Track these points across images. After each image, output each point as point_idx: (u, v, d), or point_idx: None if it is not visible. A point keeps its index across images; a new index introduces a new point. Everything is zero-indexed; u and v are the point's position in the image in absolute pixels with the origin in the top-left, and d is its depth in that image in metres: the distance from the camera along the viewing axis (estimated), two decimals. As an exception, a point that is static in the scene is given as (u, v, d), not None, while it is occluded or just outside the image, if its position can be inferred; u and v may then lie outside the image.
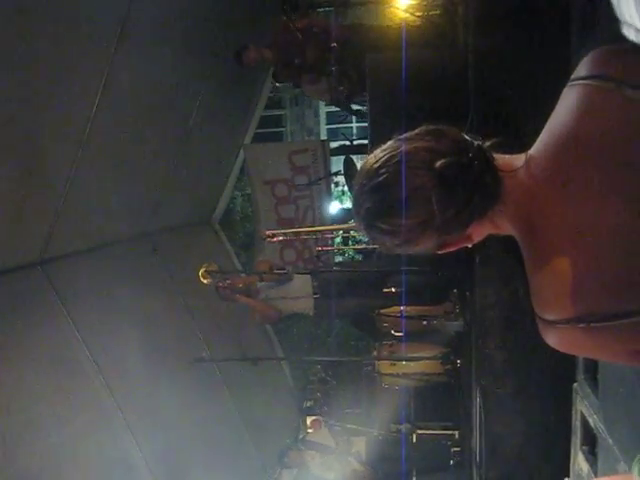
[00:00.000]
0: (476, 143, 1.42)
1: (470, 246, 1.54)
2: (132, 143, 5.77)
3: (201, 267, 6.27)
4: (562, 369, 3.59)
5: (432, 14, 6.76)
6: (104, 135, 5.18)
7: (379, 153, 1.47)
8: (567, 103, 1.47)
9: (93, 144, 5.07)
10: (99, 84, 4.86)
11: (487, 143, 1.44)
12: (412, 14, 6.78)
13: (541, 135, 1.48)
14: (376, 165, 1.45)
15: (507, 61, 3.95)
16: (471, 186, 1.38)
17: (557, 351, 1.46)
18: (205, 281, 6.19)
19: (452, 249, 1.52)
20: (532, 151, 1.47)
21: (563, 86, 1.51)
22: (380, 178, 1.42)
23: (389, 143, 1.48)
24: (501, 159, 1.45)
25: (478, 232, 1.50)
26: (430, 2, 6.93)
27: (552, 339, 1.44)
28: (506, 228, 1.49)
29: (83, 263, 5.72)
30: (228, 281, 6.16)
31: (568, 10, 3.45)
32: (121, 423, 5.20)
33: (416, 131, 1.47)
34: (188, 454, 5.73)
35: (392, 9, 7.05)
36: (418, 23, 6.58)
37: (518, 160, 1.45)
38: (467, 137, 1.44)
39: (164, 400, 5.84)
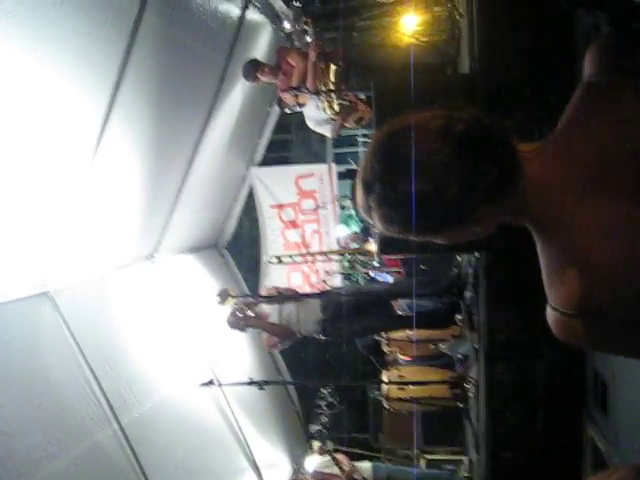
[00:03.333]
0: (497, 120, 1.36)
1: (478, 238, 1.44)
2: (139, 164, 5.77)
3: (224, 292, 6.30)
4: (571, 393, 3.54)
5: (437, 39, 6.77)
6: (110, 158, 5.18)
7: (393, 121, 1.39)
8: (579, 102, 1.44)
9: (99, 166, 5.08)
10: (106, 100, 4.86)
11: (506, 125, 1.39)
12: (418, 39, 6.79)
13: (558, 130, 1.44)
14: (389, 130, 1.38)
15: (515, 85, 3.95)
16: (490, 157, 1.31)
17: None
18: (227, 305, 6.20)
19: (459, 238, 1.42)
20: (549, 142, 1.42)
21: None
22: (392, 141, 1.35)
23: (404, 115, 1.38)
24: (520, 144, 1.39)
25: (488, 218, 1.39)
26: (435, 27, 6.94)
27: (573, 333, 1.38)
28: (519, 217, 1.42)
29: (89, 289, 5.70)
30: (247, 309, 6.19)
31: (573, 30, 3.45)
32: (123, 445, 5.12)
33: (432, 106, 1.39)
34: (187, 478, 5.66)
35: (398, 34, 7.05)
36: (423, 47, 6.59)
37: (535, 146, 1.41)
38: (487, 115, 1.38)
39: (168, 423, 5.81)
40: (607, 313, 1.31)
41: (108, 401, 5.16)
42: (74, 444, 4.64)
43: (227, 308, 6.33)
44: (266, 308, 6.31)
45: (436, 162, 1.29)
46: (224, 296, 6.34)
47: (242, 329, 6.27)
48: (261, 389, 6.17)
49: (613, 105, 1.39)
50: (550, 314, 1.40)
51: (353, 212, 8.31)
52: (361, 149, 9.63)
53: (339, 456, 7.07)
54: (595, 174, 1.34)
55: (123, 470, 5.03)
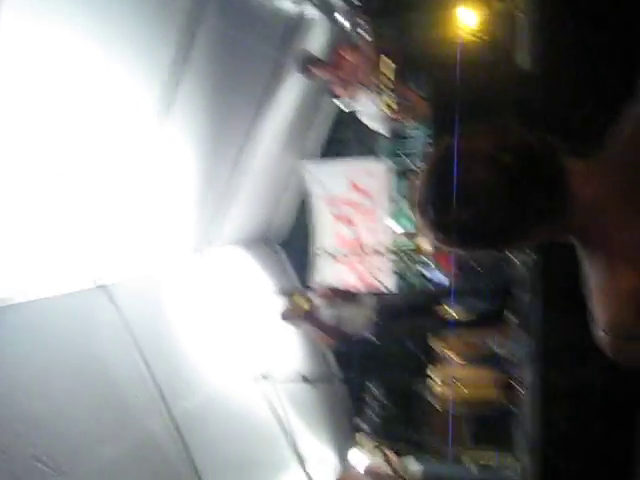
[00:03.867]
0: (546, 141, 1.34)
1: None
2: (193, 158, 5.83)
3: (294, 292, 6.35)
4: (629, 402, 3.45)
5: (497, 36, 6.64)
6: (166, 153, 5.25)
7: (445, 144, 1.42)
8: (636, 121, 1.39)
9: (156, 162, 5.16)
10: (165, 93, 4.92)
11: (557, 142, 1.37)
12: (476, 36, 6.68)
13: (616, 143, 1.40)
14: (440, 155, 1.41)
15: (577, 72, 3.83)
16: (537, 187, 1.31)
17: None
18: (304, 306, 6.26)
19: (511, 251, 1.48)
20: (605, 159, 1.39)
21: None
22: (442, 168, 1.38)
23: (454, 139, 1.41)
24: (571, 162, 1.37)
25: (537, 236, 1.43)
26: (495, 24, 6.81)
27: (627, 354, 1.34)
28: (568, 235, 1.42)
29: (143, 282, 5.81)
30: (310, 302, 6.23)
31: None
32: (174, 436, 5.20)
33: (482, 126, 1.41)
34: (239, 475, 5.72)
35: (456, 30, 6.94)
36: (482, 44, 6.48)
37: (588, 163, 1.38)
38: (536, 135, 1.36)
39: (218, 416, 5.88)
40: None
41: (161, 391, 5.23)
42: (126, 432, 4.71)
43: (290, 303, 6.35)
44: (320, 306, 6.31)
45: (484, 191, 1.32)
46: (287, 290, 6.37)
47: (297, 324, 6.30)
48: (313, 384, 6.19)
49: None
50: (599, 336, 1.37)
51: (408, 210, 8.23)
52: (419, 146, 9.53)
53: (388, 453, 7.06)
54: None
55: (173, 460, 5.09)
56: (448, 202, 1.34)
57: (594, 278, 1.36)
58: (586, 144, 1.38)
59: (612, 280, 1.31)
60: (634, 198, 1.29)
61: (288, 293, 6.39)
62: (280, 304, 6.39)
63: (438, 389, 6.48)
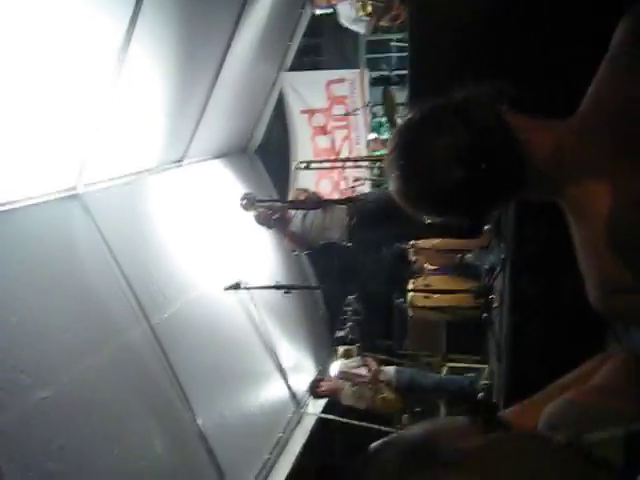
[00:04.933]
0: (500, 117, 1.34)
1: None
2: (167, 69, 5.70)
3: (251, 197, 6.30)
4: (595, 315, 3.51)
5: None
6: (138, 63, 5.12)
7: (417, 109, 1.44)
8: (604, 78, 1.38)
9: (128, 71, 5.02)
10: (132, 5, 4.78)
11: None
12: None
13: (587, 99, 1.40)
14: (410, 120, 1.43)
15: None
16: (496, 164, 1.33)
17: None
18: (247, 210, 6.22)
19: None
20: (576, 117, 1.38)
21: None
22: (408, 135, 1.42)
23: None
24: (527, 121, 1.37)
25: (507, 204, 1.47)
26: None
27: (615, 309, 1.38)
28: (547, 197, 1.43)
29: (118, 191, 5.77)
30: (270, 211, 6.19)
31: None
32: (153, 344, 5.26)
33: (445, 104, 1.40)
34: (217, 381, 5.81)
35: None
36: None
37: (558, 126, 1.37)
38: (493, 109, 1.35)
39: (196, 324, 5.93)
40: None
41: (138, 300, 5.26)
42: (106, 342, 4.74)
43: (251, 214, 6.36)
44: (292, 212, 6.30)
45: (441, 167, 1.34)
46: (251, 201, 6.33)
47: (270, 227, 6.31)
48: (287, 293, 6.22)
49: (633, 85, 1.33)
50: (590, 292, 1.38)
51: (384, 119, 8.17)
52: (395, 54, 9.37)
53: (367, 358, 7.20)
54: (622, 147, 1.30)
55: (153, 368, 5.14)
56: (409, 165, 1.39)
57: (577, 236, 1.36)
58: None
59: (592, 236, 1.32)
60: (607, 152, 1.30)
61: (250, 201, 6.34)
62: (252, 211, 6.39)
63: (414, 297, 6.53)
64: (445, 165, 1.33)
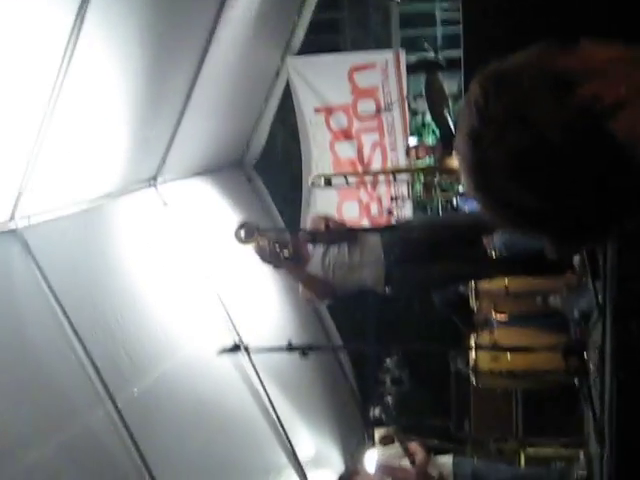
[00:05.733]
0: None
1: None
2: (128, 64, 5.73)
3: (251, 227, 6.27)
4: None
5: None
6: (90, 59, 5.17)
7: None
8: None
9: (76, 73, 5.06)
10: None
11: None
12: None
13: None
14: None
15: None
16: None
17: None
18: (246, 244, 6.21)
19: None
20: None
21: None
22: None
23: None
24: None
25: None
26: None
27: None
28: None
29: (69, 225, 5.84)
30: (274, 242, 6.15)
31: None
32: (120, 432, 5.26)
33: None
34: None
35: None
36: None
37: None
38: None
39: (178, 403, 5.94)
40: None
41: (99, 373, 5.27)
42: (55, 430, 4.78)
43: (251, 247, 6.32)
44: (309, 248, 6.27)
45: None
46: (250, 231, 6.29)
47: (278, 266, 6.27)
48: (304, 355, 6.15)
49: None
50: None
51: (428, 117, 8.20)
52: (440, 30, 9.44)
53: (411, 444, 7.13)
54: None
55: (120, 464, 5.15)
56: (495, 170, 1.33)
57: None
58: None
59: None
60: None
61: (248, 233, 6.30)
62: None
63: (478, 359, 6.47)
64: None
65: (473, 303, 7.01)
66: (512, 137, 1.29)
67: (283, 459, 6.96)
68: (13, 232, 5.27)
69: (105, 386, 5.26)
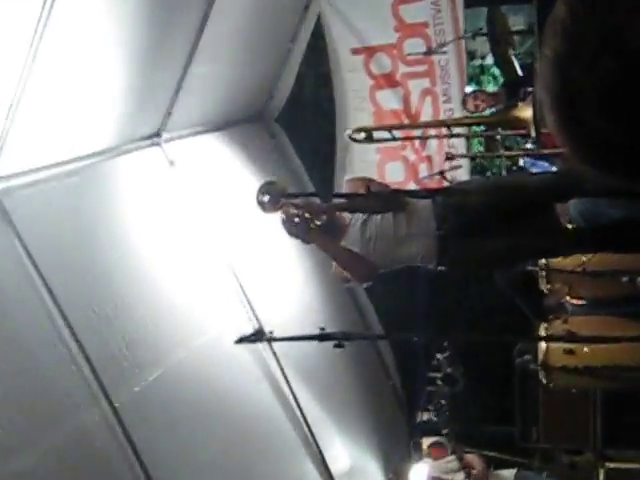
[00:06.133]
0: None
1: None
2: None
3: (277, 190, 6.16)
4: None
5: None
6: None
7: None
8: None
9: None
10: None
11: None
12: None
13: None
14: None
15: None
16: None
17: None
18: (269, 212, 6.09)
19: None
20: None
21: None
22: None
23: None
24: None
25: None
26: None
27: None
28: None
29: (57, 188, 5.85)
30: (303, 211, 6.05)
31: None
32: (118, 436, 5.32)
33: None
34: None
35: None
36: None
37: None
38: None
39: (186, 403, 5.97)
40: None
41: (93, 368, 5.29)
42: (45, 433, 4.87)
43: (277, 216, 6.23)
44: (346, 216, 6.16)
45: None
46: (275, 197, 6.18)
47: (307, 240, 6.19)
48: (338, 347, 6.06)
49: None
50: None
51: (489, 59, 8.08)
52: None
53: (467, 456, 7.12)
54: None
55: (116, 472, 5.25)
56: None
57: None
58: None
59: None
60: None
61: (274, 198, 6.21)
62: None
63: (548, 353, 6.35)
64: None
65: (543, 285, 6.90)
66: (605, 65, 1.20)
67: (312, 472, 6.97)
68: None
69: (100, 383, 5.30)
